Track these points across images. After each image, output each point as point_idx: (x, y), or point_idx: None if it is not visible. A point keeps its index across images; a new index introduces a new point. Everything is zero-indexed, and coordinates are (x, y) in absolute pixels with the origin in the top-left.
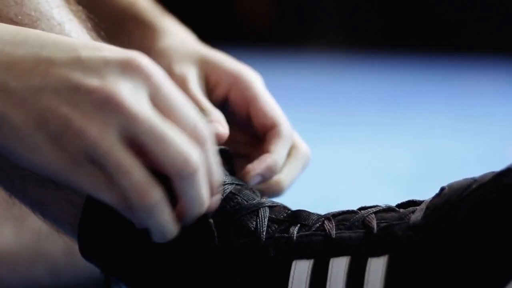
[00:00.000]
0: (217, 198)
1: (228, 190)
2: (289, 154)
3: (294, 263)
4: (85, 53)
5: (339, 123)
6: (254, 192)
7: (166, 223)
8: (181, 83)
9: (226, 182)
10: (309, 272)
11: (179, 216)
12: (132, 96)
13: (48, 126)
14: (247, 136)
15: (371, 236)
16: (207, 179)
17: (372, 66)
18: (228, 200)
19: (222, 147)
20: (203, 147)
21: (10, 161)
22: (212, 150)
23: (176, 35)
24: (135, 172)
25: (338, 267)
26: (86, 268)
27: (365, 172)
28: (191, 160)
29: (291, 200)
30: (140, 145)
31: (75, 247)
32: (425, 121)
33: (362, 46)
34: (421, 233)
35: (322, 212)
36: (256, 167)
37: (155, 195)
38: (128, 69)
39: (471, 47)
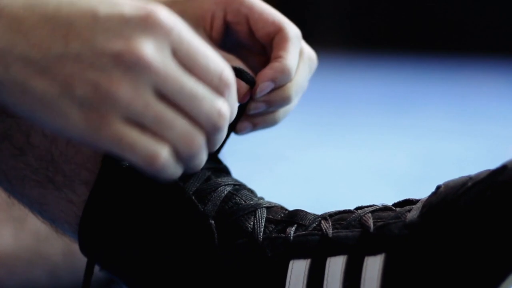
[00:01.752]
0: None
1: (226, 191)
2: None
3: (291, 263)
4: (103, 11)
5: (338, 124)
6: (252, 192)
7: (203, 161)
8: None
9: (224, 183)
10: (306, 272)
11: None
12: (158, 55)
13: (74, 92)
14: (259, 56)
15: (368, 235)
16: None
17: (371, 67)
18: (226, 200)
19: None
20: (228, 94)
21: (8, 162)
22: (235, 95)
23: None
24: (178, 122)
25: (335, 266)
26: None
27: (364, 173)
28: (222, 114)
29: (288, 200)
30: (173, 102)
31: (74, 248)
32: (424, 122)
33: (361, 47)
34: (417, 231)
35: (320, 213)
36: (266, 73)
37: (200, 140)
38: (148, 26)
39: (470, 48)
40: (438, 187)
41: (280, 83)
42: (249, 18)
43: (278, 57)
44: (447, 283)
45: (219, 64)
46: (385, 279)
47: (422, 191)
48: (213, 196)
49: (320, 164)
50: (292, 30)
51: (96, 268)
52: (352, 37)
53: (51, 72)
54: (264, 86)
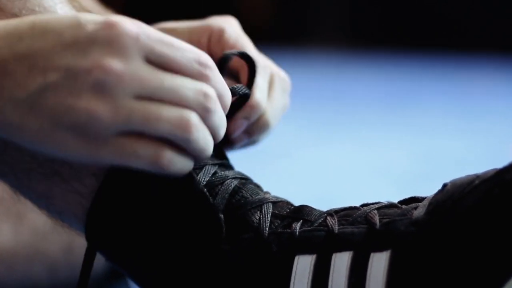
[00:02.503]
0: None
1: (233, 184)
2: (269, 86)
3: (296, 258)
4: (69, 35)
5: (339, 122)
6: (258, 186)
7: (208, 144)
8: None
9: (230, 176)
10: (312, 268)
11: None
12: (128, 65)
13: (62, 121)
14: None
15: (374, 232)
16: (219, 105)
17: (371, 65)
18: (233, 194)
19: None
20: (211, 75)
21: (14, 155)
22: (218, 75)
23: None
24: (165, 113)
25: (341, 262)
26: None
27: (365, 171)
28: (209, 95)
29: (291, 197)
30: (158, 100)
31: (74, 245)
32: (424, 120)
33: (362, 45)
34: (424, 229)
35: (322, 209)
36: (238, 115)
37: (194, 118)
38: (114, 40)
39: (470, 46)
40: (444, 185)
41: (254, 117)
42: (225, 49)
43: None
44: (453, 281)
45: (194, 51)
46: (390, 275)
47: (423, 189)
48: (221, 189)
49: (322, 161)
50: (260, 61)
51: (95, 264)
52: (353, 36)
53: (38, 108)
54: (237, 125)
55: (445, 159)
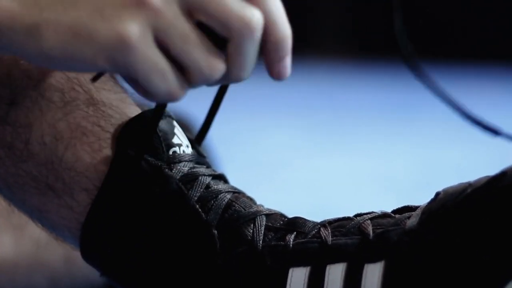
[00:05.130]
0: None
1: (226, 199)
2: None
3: (290, 270)
4: None
5: (339, 131)
6: (251, 199)
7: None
8: None
9: (223, 190)
10: (306, 280)
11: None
12: None
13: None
14: None
15: (367, 242)
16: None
17: (372, 75)
18: (226, 208)
19: None
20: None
21: (8, 170)
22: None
23: None
24: (202, 43)
25: (335, 273)
26: (85, 276)
27: (364, 179)
28: (252, 20)
29: (289, 207)
30: (202, 14)
31: (75, 255)
32: (424, 129)
33: (362, 55)
34: (417, 238)
35: (320, 219)
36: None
37: (221, 64)
38: None
39: (471, 56)
40: (437, 194)
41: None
42: None
43: None
44: None
45: None
46: (385, 286)
47: (422, 198)
48: (214, 204)
49: (321, 171)
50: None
51: (96, 272)
52: (353, 45)
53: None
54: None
55: (444, 168)
